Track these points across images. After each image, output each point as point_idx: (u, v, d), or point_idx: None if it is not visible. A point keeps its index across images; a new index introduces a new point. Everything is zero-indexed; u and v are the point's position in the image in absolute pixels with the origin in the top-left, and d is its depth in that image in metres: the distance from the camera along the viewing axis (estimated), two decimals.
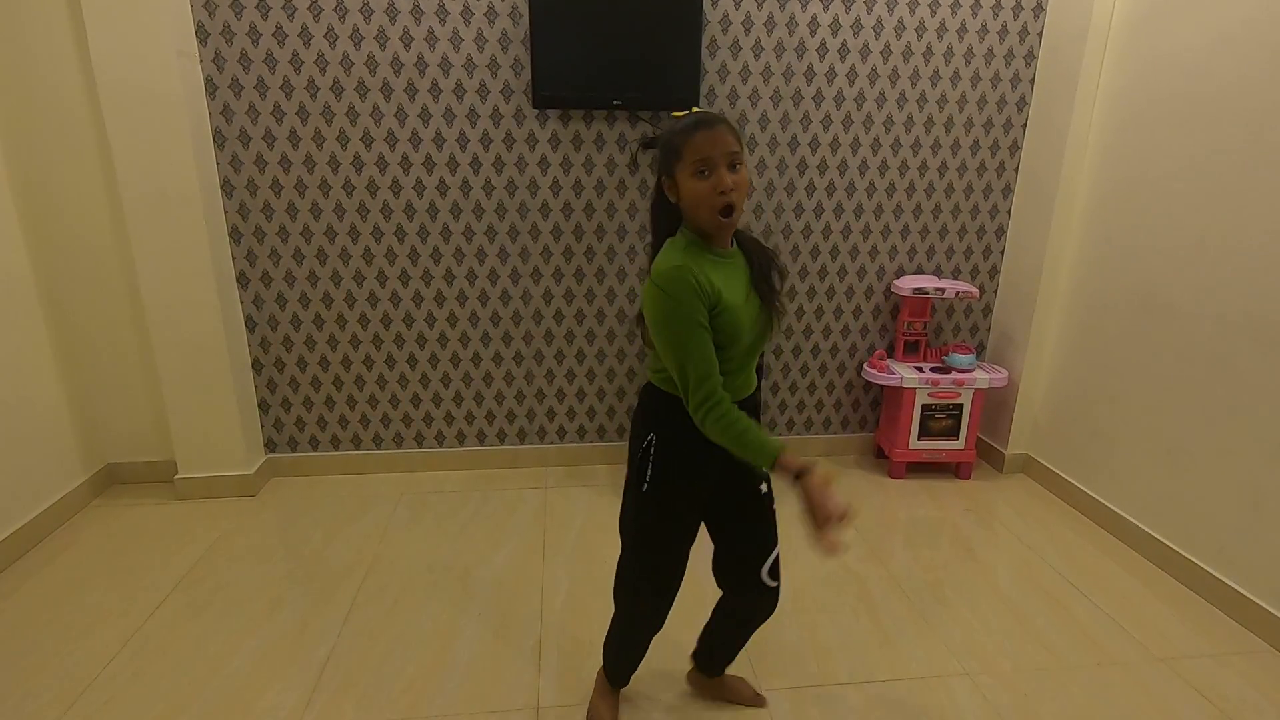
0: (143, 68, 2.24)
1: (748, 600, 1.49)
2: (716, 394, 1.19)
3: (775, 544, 1.45)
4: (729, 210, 1.20)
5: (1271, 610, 1.93)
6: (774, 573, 1.44)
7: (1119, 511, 2.48)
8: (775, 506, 1.45)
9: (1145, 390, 2.38)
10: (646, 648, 1.57)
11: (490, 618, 2.00)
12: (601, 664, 1.65)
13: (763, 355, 1.43)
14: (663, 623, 1.50)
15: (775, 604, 1.49)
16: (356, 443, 2.89)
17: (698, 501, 1.39)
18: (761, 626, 1.54)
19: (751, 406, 1.37)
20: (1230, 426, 2.07)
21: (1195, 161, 2.18)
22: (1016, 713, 1.68)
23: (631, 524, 1.42)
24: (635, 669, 1.62)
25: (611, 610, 1.55)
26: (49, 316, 2.46)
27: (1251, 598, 1.99)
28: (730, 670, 1.69)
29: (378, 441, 2.90)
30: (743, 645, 1.61)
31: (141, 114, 2.28)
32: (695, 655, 1.68)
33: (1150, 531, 2.34)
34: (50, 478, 2.45)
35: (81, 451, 2.60)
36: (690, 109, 1.26)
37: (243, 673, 1.78)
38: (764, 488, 1.43)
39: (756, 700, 1.69)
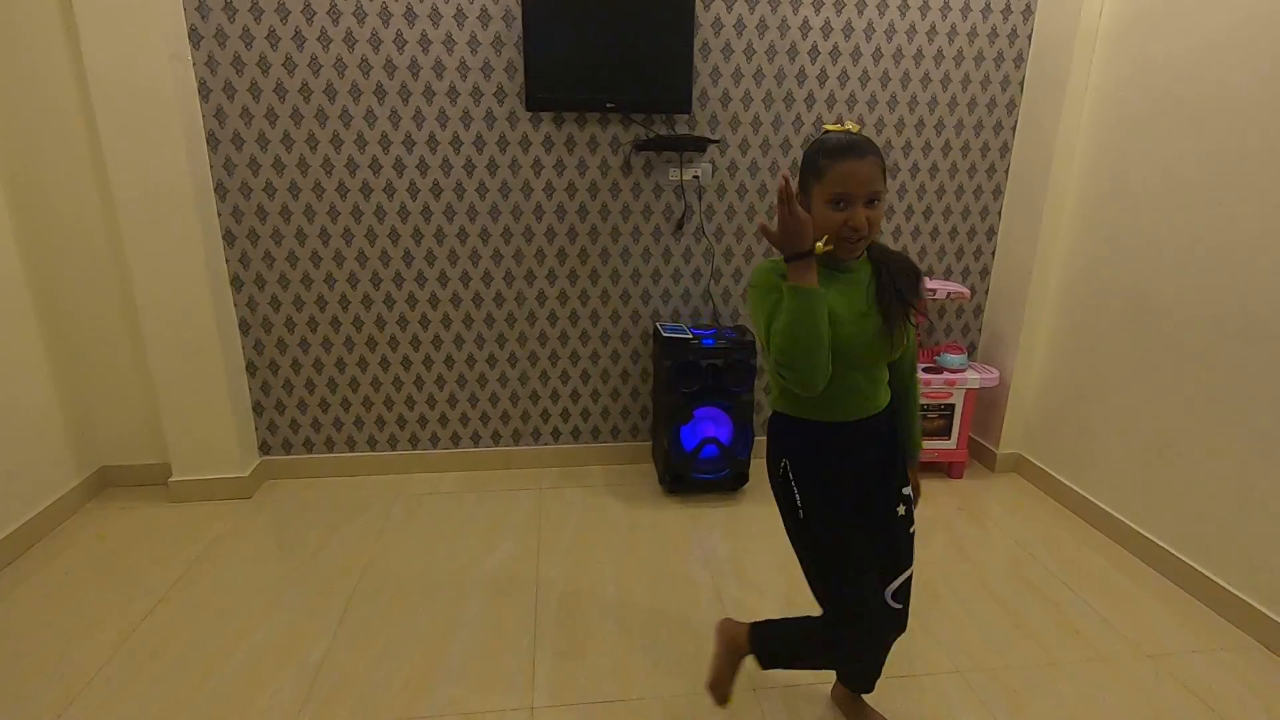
0: (136, 71, 2.24)
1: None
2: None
3: (906, 567, 1.43)
4: (857, 243, 1.20)
5: (1259, 607, 1.96)
6: (899, 595, 1.43)
7: (1109, 510, 2.50)
8: (912, 530, 1.45)
9: (1135, 389, 2.40)
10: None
11: (485, 618, 2.00)
12: (760, 642, 1.48)
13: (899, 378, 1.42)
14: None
15: (902, 625, 1.46)
16: (351, 445, 2.89)
17: (849, 506, 1.36)
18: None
19: (882, 430, 1.36)
20: (1219, 425, 2.09)
21: (1183, 162, 2.20)
22: (1007, 709, 1.69)
23: (806, 555, 1.40)
24: None
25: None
26: (42, 319, 2.46)
27: (1239, 594, 2.01)
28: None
29: (372, 443, 2.90)
30: (877, 664, 1.55)
31: (135, 117, 2.28)
32: (837, 673, 1.64)
33: (1140, 529, 2.36)
34: (44, 481, 2.44)
35: (75, 454, 2.59)
36: (844, 123, 1.24)
37: (238, 674, 1.78)
38: (900, 510, 1.42)
39: None
